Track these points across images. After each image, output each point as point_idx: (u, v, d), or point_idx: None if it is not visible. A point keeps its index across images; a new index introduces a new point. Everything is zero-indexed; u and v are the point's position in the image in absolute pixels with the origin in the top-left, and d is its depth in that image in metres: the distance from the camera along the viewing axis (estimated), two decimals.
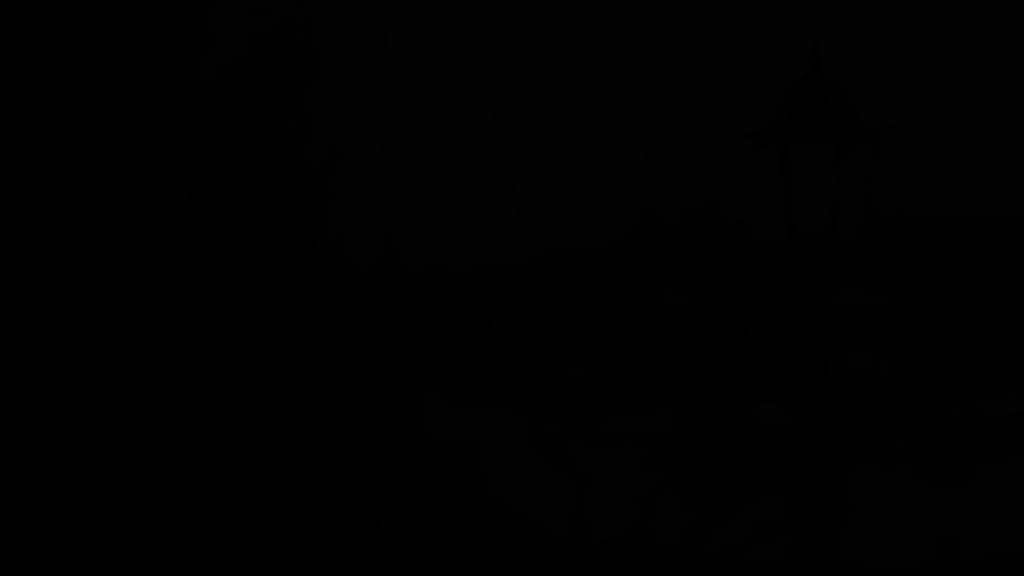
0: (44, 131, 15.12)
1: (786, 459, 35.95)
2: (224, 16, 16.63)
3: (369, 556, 17.94)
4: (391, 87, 16.88)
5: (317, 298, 22.58)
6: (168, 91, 17.13)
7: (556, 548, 22.96)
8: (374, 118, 17.08)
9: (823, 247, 5.91)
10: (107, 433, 17.68)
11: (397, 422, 42.76)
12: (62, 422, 17.29)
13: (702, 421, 46.78)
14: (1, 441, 14.93)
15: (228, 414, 19.19)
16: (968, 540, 26.33)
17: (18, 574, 12.84)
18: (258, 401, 20.49)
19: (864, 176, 5.95)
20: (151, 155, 16.71)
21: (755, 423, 46.46)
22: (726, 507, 23.54)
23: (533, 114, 16.04)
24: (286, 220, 18.79)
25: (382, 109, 17.04)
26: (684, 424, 41.95)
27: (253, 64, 16.49)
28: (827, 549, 5.85)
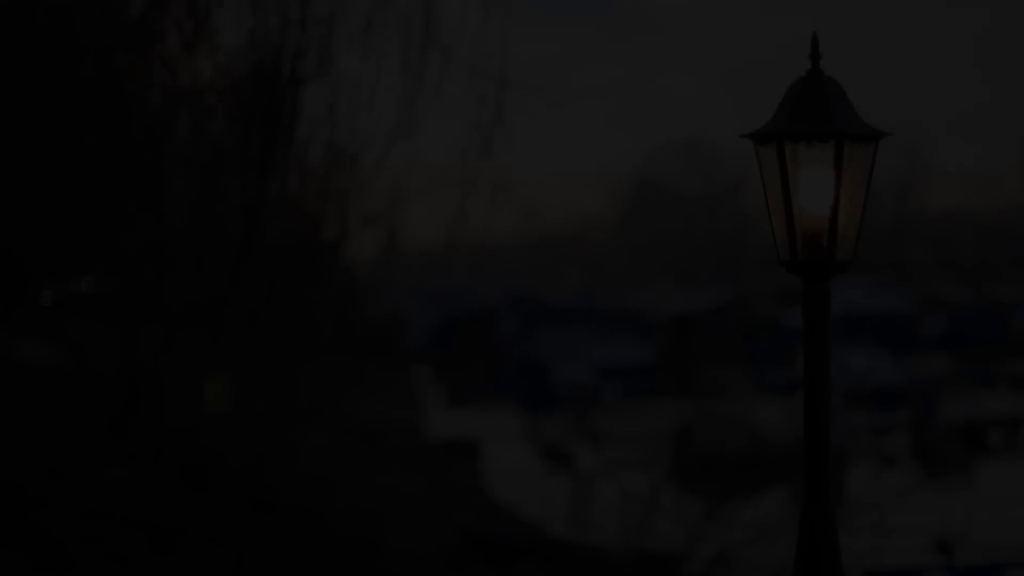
0: (44, 132, 15.11)
1: (786, 459, 35.89)
2: (224, 16, 16.63)
3: (367, 555, 17.94)
4: (391, 87, 16.87)
5: (317, 298, 22.55)
6: (168, 91, 17.12)
7: (556, 548, 22.99)
8: (374, 118, 17.08)
9: (823, 247, 5.89)
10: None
11: (397, 422, 42.55)
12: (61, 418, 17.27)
13: (702, 421, 46.57)
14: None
15: (229, 413, 19.20)
16: (968, 540, 26.34)
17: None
18: (259, 401, 20.48)
19: (864, 176, 5.94)
20: (151, 155, 16.70)
21: (755, 423, 46.17)
22: (726, 507, 23.57)
23: (534, 114, 16.02)
24: (285, 219, 18.79)
25: (382, 109, 17.04)
26: (684, 424, 41.63)
27: (253, 64, 16.48)
28: (827, 550, 5.84)
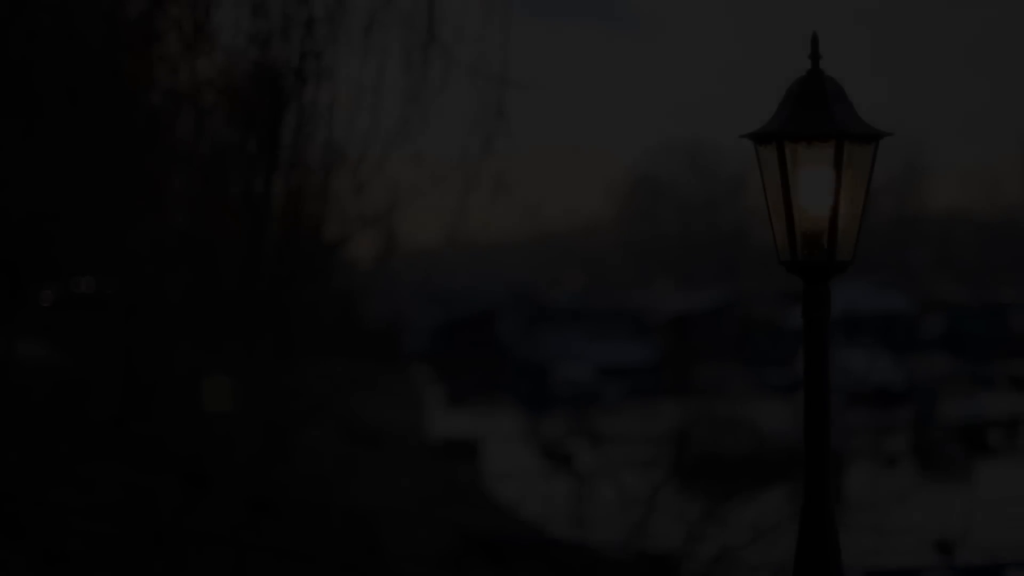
0: (44, 133, 15.11)
1: (786, 459, 35.81)
2: (224, 16, 16.62)
3: (368, 555, 17.93)
4: (392, 87, 16.87)
5: (317, 298, 22.55)
6: (168, 91, 17.12)
7: (556, 548, 22.98)
8: (375, 118, 17.07)
9: (823, 247, 5.89)
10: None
11: (397, 422, 42.41)
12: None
13: (702, 421, 46.44)
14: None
15: (228, 413, 19.20)
16: (968, 540, 26.33)
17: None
18: (259, 401, 20.47)
19: (864, 176, 5.93)
20: (152, 155, 16.71)
21: (755, 423, 46.02)
22: (726, 507, 23.53)
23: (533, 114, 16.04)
24: (285, 219, 18.79)
25: (383, 109, 17.03)
26: (684, 424, 41.63)
27: (254, 64, 16.48)
28: (827, 550, 5.84)
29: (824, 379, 5.93)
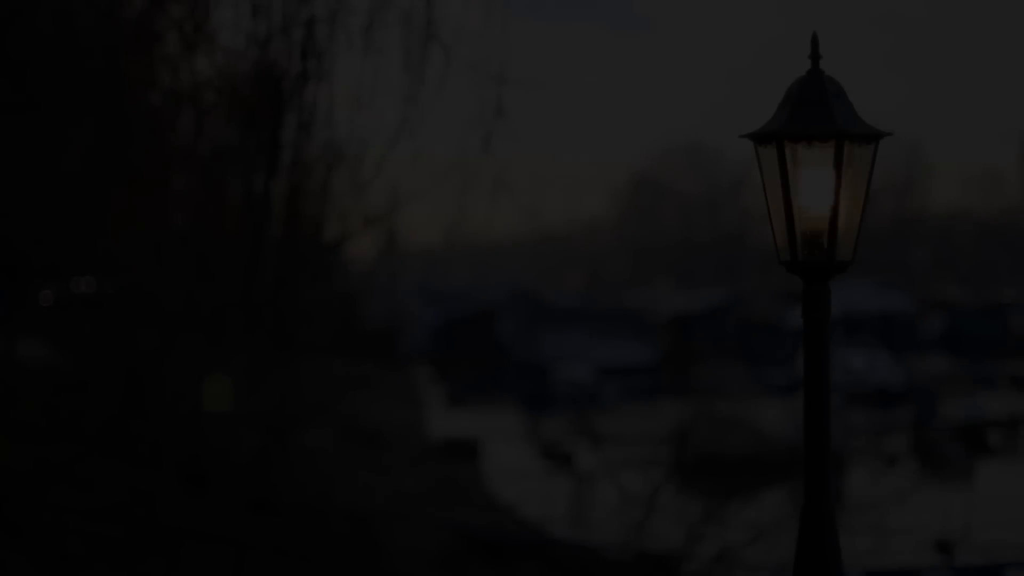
0: (45, 133, 15.12)
1: (786, 459, 35.74)
2: (224, 16, 16.62)
3: (367, 555, 17.93)
4: (392, 86, 16.86)
5: (317, 298, 22.53)
6: (168, 91, 17.11)
7: (556, 548, 22.99)
8: (375, 117, 17.07)
9: (823, 247, 5.88)
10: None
11: (397, 422, 42.43)
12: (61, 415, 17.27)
13: (702, 421, 46.43)
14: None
15: (228, 413, 19.19)
16: (968, 540, 26.32)
17: None
18: (259, 401, 20.47)
19: (864, 176, 5.93)
20: (152, 155, 16.70)
21: (755, 423, 46.00)
22: (726, 507, 23.55)
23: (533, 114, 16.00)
24: (285, 219, 18.78)
25: (383, 108, 17.03)
26: (684, 424, 41.73)
27: (254, 64, 16.48)
28: (827, 550, 5.84)
29: (824, 379, 5.92)
